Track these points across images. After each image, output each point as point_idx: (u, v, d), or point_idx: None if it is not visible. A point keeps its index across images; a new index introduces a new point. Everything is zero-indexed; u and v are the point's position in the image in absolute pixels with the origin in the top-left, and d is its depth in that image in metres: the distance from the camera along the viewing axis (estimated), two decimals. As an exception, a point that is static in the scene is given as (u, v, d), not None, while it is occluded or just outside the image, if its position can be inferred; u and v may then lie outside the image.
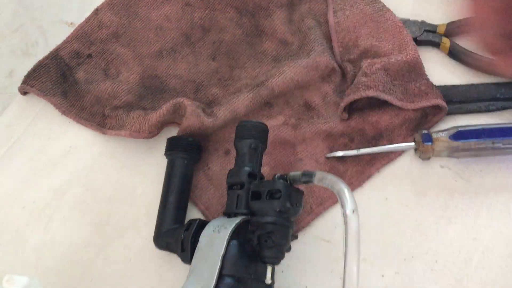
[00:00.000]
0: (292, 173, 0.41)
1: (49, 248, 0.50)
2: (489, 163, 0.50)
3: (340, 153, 0.51)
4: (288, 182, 0.41)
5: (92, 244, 0.50)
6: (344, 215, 0.35)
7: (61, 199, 0.52)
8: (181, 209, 0.49)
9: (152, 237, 0.48)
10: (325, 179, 0.38)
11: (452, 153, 0.49)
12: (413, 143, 0.50)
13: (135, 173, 0.53)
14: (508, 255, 0.47)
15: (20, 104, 0.59)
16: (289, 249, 0.42)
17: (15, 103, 0.58)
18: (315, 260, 0.48)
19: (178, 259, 0.46)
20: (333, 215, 0.50)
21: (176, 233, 0.45)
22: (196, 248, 0.41)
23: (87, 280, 0.49)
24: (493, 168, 0.50)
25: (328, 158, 0.51)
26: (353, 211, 0.34)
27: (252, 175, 0.43)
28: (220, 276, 0.38)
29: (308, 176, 0.40)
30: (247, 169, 0.43)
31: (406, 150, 0.51)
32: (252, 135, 0.44)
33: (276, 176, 0.41)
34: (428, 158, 0.50)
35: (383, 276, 0.47)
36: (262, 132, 0.45)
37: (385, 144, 0.51)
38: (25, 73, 0.58)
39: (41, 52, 0.60)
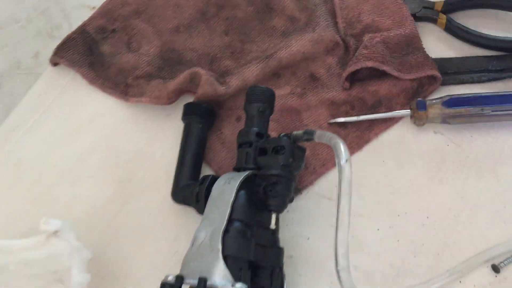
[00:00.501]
0: (295, 132, 0.45)
1: (78, 202, 0.55)
2: (479, 129, 0.54)
3: (341, 119, 0.55)
4: (291, 140, 0.45)
5: (115, 200, 0.55)
6: (339, 164, 0.39)
7: (88, 160, 0.58)
8: (196, 168, 0.53)
9: (170, 193, 0.53)
10: (323, 136, 0.43)
11: (445, 119, 0.53)
12: (409, 111, 0.54)
13: (154, 138, 0.58)
14: (493, 213, 0.51)
15: (50, 75, 0.64)
16: (291, 200, 0.46)
17: (45, 75, 0.64)
18: (317, 215, 0.52)
19: (192, 213, 0.51)
20: (334, 175, 0.53)
21: (191, 187, 0.50)
22: (209, 198, 0.46)
23: (111, 231, 0.54)
24: (483, 134, 0.54)
25: (330, 124, 0.56)
26: (346, 160, 0.39)
27: (259, 135, 0.48)
28: (230, 220, 0.42)
29: (309, 134, 0.44)
30: (255, 129, 0.48)
31: (402, 116, 0.55)
32: (260, 99, 0.49)
33: (281, 134, 0.46)
34: (423, 124, 0.54)
35: (378, 229, 0.51)
36: (269, 97, 0.50)
37: (383, 112, 0.55)
38: (50, 55, 0.63)
39: (65, 34, 0.64)
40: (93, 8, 0.70)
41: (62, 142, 0.59)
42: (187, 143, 0.54)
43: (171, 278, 0.41)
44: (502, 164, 0.53)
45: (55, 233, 0.47)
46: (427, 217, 0.51)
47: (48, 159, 0.58)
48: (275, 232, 0.46)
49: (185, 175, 0.53)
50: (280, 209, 0.45)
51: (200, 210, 0.47)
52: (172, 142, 0.57)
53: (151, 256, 0.52)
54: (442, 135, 0.55)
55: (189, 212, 0.52)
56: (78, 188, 0.56)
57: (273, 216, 0.45)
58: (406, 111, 0.54)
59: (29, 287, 0.51)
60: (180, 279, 0.40)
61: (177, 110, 0.58)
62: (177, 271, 0.50)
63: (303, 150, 0.46)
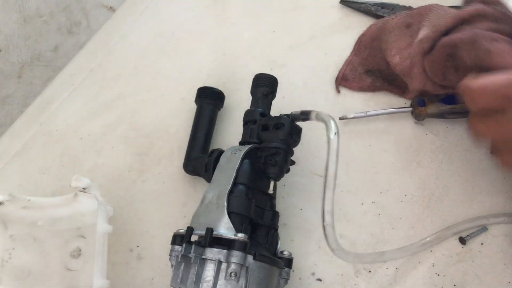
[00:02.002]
0: (293, 112, 0.53)
1: (101, 170, 0.62)
2: (454, 122, 0.61)
3: (351, 115, 0.61)
4: (290, 118, 0.52)
5: (134, 169, 0.62)
6: (328, 137, 0.46)
7: (110, 134, 0.65)
8: (207, 143, 0.60)
9: (182, 164, 0.60)
10: (318, 115, 0.50)
11: (442, 114, 0.59)
12: (410, 108, 0.61)
13: (170, 117, 0.65)
14: (463, 193, 0.57)
15: (79, 60, 0.72)
16: (288, 170, 0.53)
17: (76, 59, 0.71)
18: (309, 190, 0.59)
19: (200, 184, 0.59)
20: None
21: (201, 159, 0.56)
22: (217, 166, 0.52)
23: (129, 196, 0.61)
24: (456, 126, 0.61)
25: (341, 119, 0.62)
26: (335, 134, 0.46)
27: (263, 115, 0.55)
28: (235, 183, 0.49)
29: (305, 114, 0.51)
30: (259, 110, 0.55)
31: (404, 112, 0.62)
32: (265, 84, 0.56)
33: (281, 114, 0.53)
34: (423, 119, 0.60)
35: (362, 204, 0.58)
36: (273, 82, 0.57)
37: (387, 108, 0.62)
38: (68, 49, 0.69)
39: (83, 31, 0.71)
40: (111, 8, 0.77)
41: (89, 117, 0.66)
42: (200, 121, 0.61)
43: (182, 231, 0.48)
44: (472, 152, 0.60)
45: (84, 189, 0.53)
46: (405, 195, 0.58)
47: (76, 131, 0.65)
48: (272, 198, 0.52)
49: (197, 149, 0.59)
50: (278, 177, 0.51)
51: (208, 178, 0.54)
52: (185, 121, 0.64)
53: (163, 218, 0.59)
54: (422, 125, 0.62)
55: (197, 182, 0.59)
56: (101, 157, 0.63)
57: (272, 183, 0.51)
58: (408, 108, 0.61)
59: (54, 241, 0.58)
60: (190, 229, 0.46)
61: (190, 95, 0.65)
62: None
63: (299, 129, 0.53)
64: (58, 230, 0.58)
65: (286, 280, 0.49)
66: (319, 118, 0.49)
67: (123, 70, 0.71)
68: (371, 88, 0.65)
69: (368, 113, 0.62)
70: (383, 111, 0.62)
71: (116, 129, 0.65)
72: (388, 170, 0.60)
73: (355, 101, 0.65)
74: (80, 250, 0.57)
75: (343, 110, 0.63)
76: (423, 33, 0.57)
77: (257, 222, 0.49)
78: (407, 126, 0.62)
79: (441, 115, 0.60)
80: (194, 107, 0.64)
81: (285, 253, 0.50)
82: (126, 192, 0.61)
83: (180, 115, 0.66)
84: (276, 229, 0.52)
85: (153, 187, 0.61)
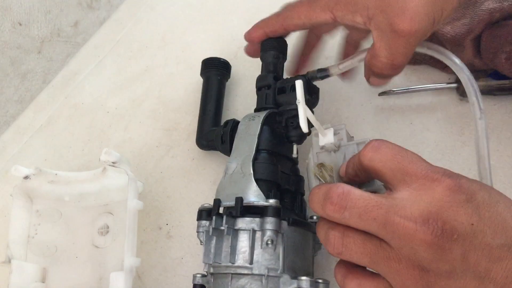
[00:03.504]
0: (309, 71, 0.49)
1: (128, 145, 0.61)
2: (502, 99, 0.58)
3: (394, 90, 0.58)
4: (307, 78, 0.49)
5: (162, 144, 0.60)
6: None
7: (138, 108, 0.63)
8: (218, 115, 0.58)
9: (195, 140, 0.57)
10: (343, 65, 0.47)
11: (491, 91, 0.56)
12: (455, 83, 0.57)
13: (199, 90, 0.62)
14: (509, 176, 0.54)
15: (105, 30, 0.69)
16: (309, 133, 0.49)
17: (102, 29, 0.69)
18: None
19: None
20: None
21: (215, 132, 0.54)
22: (236, 134, 0.49)
23: (157, 172, 0.59)
24: (506, 104, 0.58)
25: (380, 95, 0.58)
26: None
27: (276, 78, 0.52)
28: (257, 150, 0.46)
29: (322, 71, 0.48)
30: (272, 74, 0.52)
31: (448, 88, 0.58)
32: (274, 47, 0.53)
33: (297, 75, 0.50)
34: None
35: (402, 184, 0.55)
36: (282, 45, 0.54)
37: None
38: (88, 25, 0.67)
39: (103, 6, 0.69)
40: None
41: (116, 91, 0.64)
42: (208, 94, 0.59)
43: (207, 205, 0.46)
44: (521, 131, 0.56)
45: (113, 163, 0.51)
46: None
47: (102, 105, 0.64)
48: (296, 163, 0.50)
49: (208, 122, 0.57)
50: (300, 139, 0.48)
51: (225, 150, 0.51)
52: None
53: (193, 196, 0.57)
54: (467, 102, 0.58)
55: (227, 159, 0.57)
56: (129, 132, 0.61)
57: (294, 146, 0.49)
58: (453, 84, 0.57)
59: (81, 217, 0.56)
60: (217, 201, 0.44)
61: None
62: None
63: (317, 88, 0.50)
64: (85, 206, 0.57)
65: (320, 245, 0.47)
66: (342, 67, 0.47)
67: (151, 41, 0.68)
68: (411, 61, 0.62)
69: (410, 89, 0.58)
70: (425, 86, 0.59)
71: (143, 103, 0.63)
72: (431, 149, 0.56)
73: (396, 76, 0.61)
74: (108, 227, 0.56)
75: (382, 85, 0.60)
76: (494, 4, 0.53)
77: (284, 188, 0.47)
78: (451, 103, 0.59)
79: (489, 92, 0.56)
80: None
81: (315, 218, 0.48)
82: (154, 169, 0.59)
83: None
84: (303, 194, 0.49)
85: (182, 164, 0.59)
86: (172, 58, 0.66)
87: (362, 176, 0.39)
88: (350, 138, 0.46)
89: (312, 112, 0.49)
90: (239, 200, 0.42)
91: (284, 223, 0.42)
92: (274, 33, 0.51)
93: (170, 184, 0.58)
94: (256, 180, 0.44)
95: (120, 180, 0.54)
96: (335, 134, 0.43)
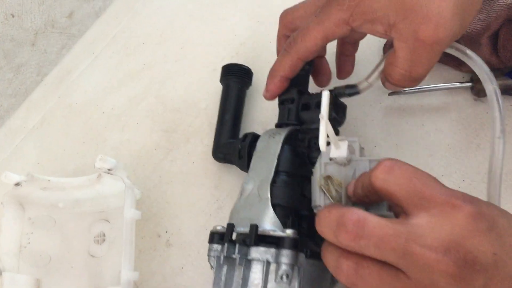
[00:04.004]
0: (337, 87, 0.46)
1: (125, 147, 0.58)
2: (519, 98, 0.55)
3: (405, 89, 0.55)
4: (334, 95, 0.46)
5: (161, 147, 0.58)
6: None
7: (136, 108, 0.60)
8: (236, 126, 0.55)
9: (211, 151, 0.54)
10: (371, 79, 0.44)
11: (507, 90, 0.53)
12: (470, 83, 0.54)
13: (200, 90, 0.60)
14: (529, 180, 0.52)
15: (101, 25, 0.66)
16: None
17: (96, 24, 0.66)
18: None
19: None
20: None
21: (233, 145, 0.51)
22: (254, 152, 0.46)
23: (156, 176, 0.56)
24: (524, 103, 0.55)
25: (390, 95, 0.56)
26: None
27: (301, 92, 0.49)
28: (276, 172, 0.43)
29: (351, 88, 0.45)
30: (296, 87, 0.49)
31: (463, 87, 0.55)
32: None
33: (322, 90, 0.47)
34: (484, 96, 0.54)
35: (414, 189, 0.53)
36: None
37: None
38: (84, 15, 0.64)
39: None
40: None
41: (111, 89, 0.61)
42: (227, 103, 0.55)
43: (220, 228, 0.43)
44: (541, 133, 0.53)
45: (109, 170, 0.48)
46: (463, 180, 0.52)
47: (97, 105, 0.61)
48: None
49: (226, 134, 0.54)
50: None
51: (243, 166, 0.49)
52: (216, 95, 0.59)
53: (193, 201, 0.54)
54: (483, 102, 0.55)
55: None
56: (126, 134, 0.59)
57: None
58: (467, 83, 0.54)
59: (76, 224, 0.54)
60: (231, 226, 0.41)
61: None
62: (218, 218, 0.53)
63: (344, 106, 0.47)
64: (81, 213, 0.55)
65: None
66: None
67: (149, 37, 0.65)
68: None
69: (421, 88, 0.55)
70: (438, 86, 0.56)
71: (141, 103, 0.60)
72: (444, 152, 0.54)
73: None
74: (104, 235, 0.54)
75: (393, 84, 0.57)
76: None
77: (302, 214, 0.44)
78: (465, 104, 0.56)
79: (506, 91, 0.53)
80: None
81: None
82: (153, 173, 0.57)
83: (211, 88, 0.60)
84: None
85: (182, 168, 0.57)
86: (171, 55, 0.63)
87: (372, 198, 0.37)
88: (362, 151, 0.43)
89: (337, 131, 0.46)
90: (254, 227, 0.40)
91: (302, 256, 0.39)
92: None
93: (169, 189, 0.56)
94: (273, 206, 0.41)
95: (116, 187, 0.52)
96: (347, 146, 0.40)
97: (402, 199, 0.33)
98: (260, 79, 0.59)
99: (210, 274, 0.43)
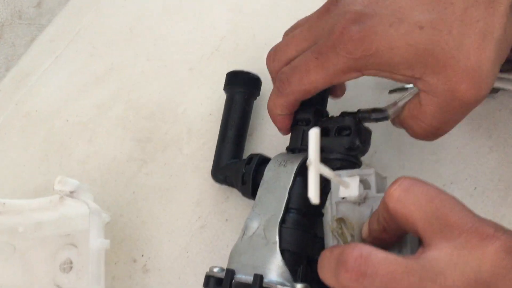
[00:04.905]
0: (362, 110, 0.41)
1: (93, 160, 0.53)
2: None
3: (407, 86, 0.50)
4: (357, 119, 0.41)
5: (134, 158, 0.53)
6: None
7: (104, 115, 0.55)
8: (240, 145, 0.49)
9: (210, 172, 0.49)
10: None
11: None
12: None
13: (177, 93, 0.55)
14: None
15: (62, 21, 0.61)
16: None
17: (56, 20, 0.61)
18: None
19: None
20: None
21: (235, 167, 0.46)
22: (261, 181, 0.41)
23: (129, 192, 0.51)
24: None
25: (391, 92, 0.51)
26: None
27: (318, 112, 0.43)
28: (287, 210, 0.39)
29: (379, 113, 0.40)
30: (313, 107, 0.43)
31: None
32: None
33: (343, 112, 0.42)
34: (496, 92, 0.50)
35: (421, 200, 0.48)
36: None
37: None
38: (54, 4, 0.59)
39: None
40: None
41: (76, 94, 0.57)
42: (230, 117, 0.50)
43: (217, 270, 0.38)
44: (559, 133, 0.50)
45: (71, 193, 0.44)
46: (475, 188, 0.48)
47: (60, 112, 0.56)
48: None
49: (227, 153, 0.49)
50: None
51: (246, 192, 0.44)
52: (195, 98, 0.55)
53: (173, 220, 0.50)
54: (494, 99, 0.51)
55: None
56: (94, 145, 0.54)
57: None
58: None
59: (39, 251, 0.50)
60: (230, 273, 0.37)
61: (201, 64, 0.56)
62: (201, 238, 0.49)
63: (369, 132, 0.42)
64: (44, 238, 0.50)
65: None
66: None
67: (116, 34, 0.60)
68: None
69: None
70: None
71: (110, 109, 0.55)
72: (452, 157, 0.50)
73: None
74: (71, 262, 0.49)
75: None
76: None
77: (315, 259, 0.39)
78: (475, 101, 0.51)
79: (517, 88, 0.49)
80: (205, 80, 0.53)
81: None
82: (125, 188, 0.52)
83: (188, 91, 0.55)
84: None
85: (158, 182, 0.52)
86: (143, 54, 0.58)
87: (390, 232, 0.31)
88: (384, 182, 0.37)
89: (360, 162, 0.41)
90: (258, 279, 0.35)
91: None
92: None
93: (145, 206, 0.51)
94: (282, 251, 0.37)
95: (81, 208, 0.47)
96: (360, 180, 0.35)
97: (419, 224, 0.28)
98: (269, 86, 0.54)
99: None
